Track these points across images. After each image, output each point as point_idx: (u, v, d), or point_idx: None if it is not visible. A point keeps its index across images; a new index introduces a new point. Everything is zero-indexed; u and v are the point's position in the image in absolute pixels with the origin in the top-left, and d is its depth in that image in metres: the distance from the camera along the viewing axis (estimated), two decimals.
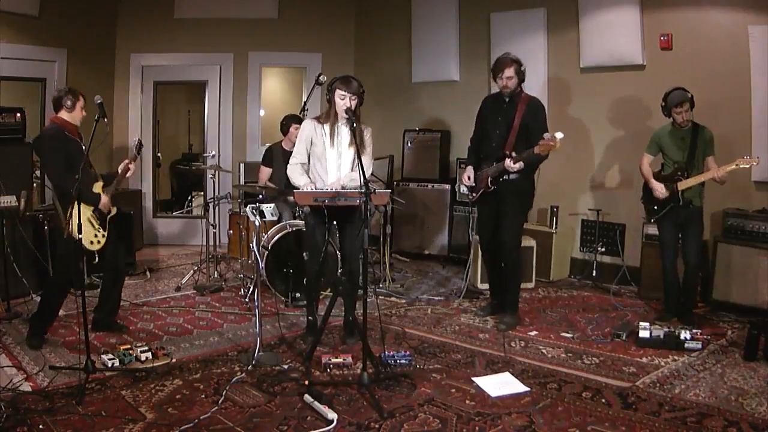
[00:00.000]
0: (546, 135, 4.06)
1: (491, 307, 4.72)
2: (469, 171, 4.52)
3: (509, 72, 4.27)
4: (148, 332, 4.25)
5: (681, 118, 4.31)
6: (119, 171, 4.07)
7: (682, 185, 4.32)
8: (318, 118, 3.94)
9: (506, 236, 4.41)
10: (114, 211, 4.06)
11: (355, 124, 3.67)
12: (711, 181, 4.27)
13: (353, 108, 3.74)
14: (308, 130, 3.93)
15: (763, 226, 4.57)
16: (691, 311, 4.49)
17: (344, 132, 3.87)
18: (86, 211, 3.88)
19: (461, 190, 4.68)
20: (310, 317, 4.17)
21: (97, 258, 4.00)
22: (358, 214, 3.93)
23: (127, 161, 4.10)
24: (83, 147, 3.90)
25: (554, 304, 5.06)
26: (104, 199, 3.97)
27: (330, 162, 3.90)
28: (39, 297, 4.77)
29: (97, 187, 3.97)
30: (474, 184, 4.50)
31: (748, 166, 4.12)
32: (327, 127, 3.88)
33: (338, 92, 3.76)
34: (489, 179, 4.36)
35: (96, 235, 3.94)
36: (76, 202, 3.74)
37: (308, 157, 3.98)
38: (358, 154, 3.46)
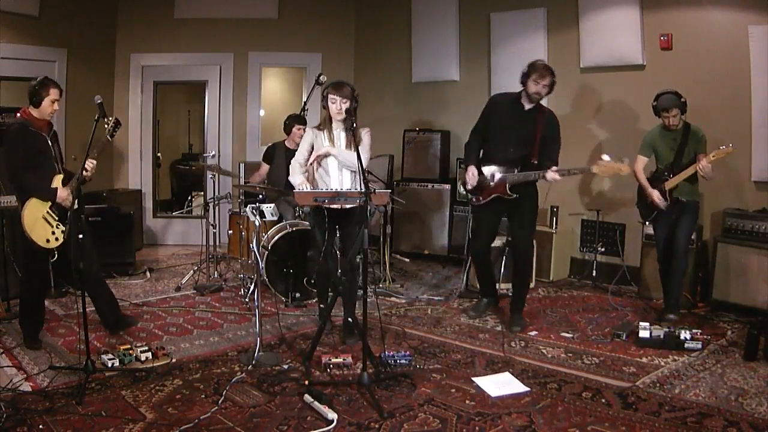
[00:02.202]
0: (606, 156, 4.04)
1: (483, 307, 4.69)
2: (474, 170, 4.34)
3: (548, 81, 4.16)
4: (148, 332, 4.25)
5: (668, 122, 4.33)
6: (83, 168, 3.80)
7: (669, 184, 4.34)
8: (318, 126, 4.05)
9: (526, 243, 4.43)
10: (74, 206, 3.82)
11: (354, 125, 3.71)
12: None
13: (345, 110, 3.84)
14: (309, 137, 4.04)
15: (763, 226, 4.57)
16: (676, 300, 4.48)
17: (342, 136, 3.99)
18: (42, 208, 3.75)
19: (466, 188, 4.48)
20: (321, 305, 4.37)
21: (56, 256, 3.74)
22: (355, 214, 4.02)
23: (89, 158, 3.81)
24: (49, 141, 3.79)
25: (554, 304, 5.06)
26: (62, 192, 3.76)
27: (331, 166, 3.97)
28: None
29: (56, 181, 3.79)
30: (475, 186, 4.37)
31: (723, 155, 4.12)
32: (325, 132, 3.99)
33: (330, 97, 3.88)
34: (508, 186, 4.24)
35: (53, 233, 3.77)
36: (32, 199, 3.73)
37: (306, 162, 4.03)
38: (358, 155, 3.48)
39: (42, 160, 3.77)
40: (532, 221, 4.44)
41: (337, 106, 3.86)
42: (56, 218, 3.80)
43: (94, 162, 3.80)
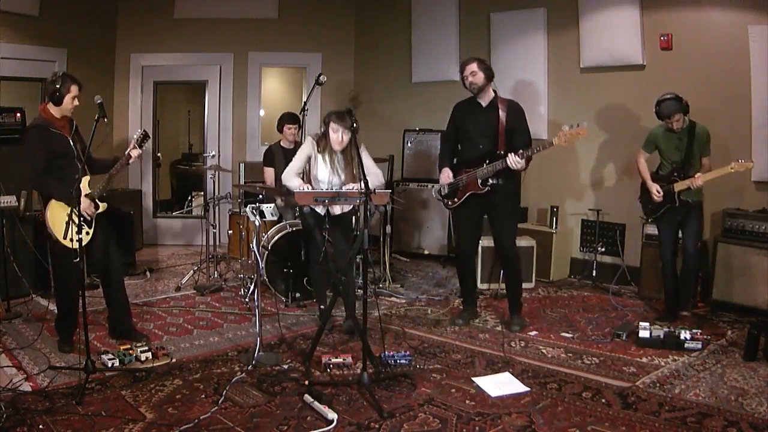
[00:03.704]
0: (566, 127, 4.04)
1: (467, 315, 4.57)
2: (449, 172, 4.38)
3: (472, 67, 4.20)
4: (148, 332, 4.24)
5: (672, 126, 4.32)
6: (115, 167, 3.82)
7: (678, 186, 4.33)
8: (318, 142, 4.08)
9: (506, 239, 4.38)
10: (103, 207, 3.81)
11: (353, 157, 3.90)
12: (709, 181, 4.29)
13: (345, 143, 3.92)
14: (308, 149, 4.10)
15: (763, 226, 4.57)
16: (689, 301, 4.47)
17: (339, 158, 4.06)
18: (65, 209, 3.68)
19: (436, 197, 4.56)
20: (321, 306, 4.41)
21: (78, 257, 3.45)
22: (348, 218, 4.17)
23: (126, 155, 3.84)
24: (71, 141, 3.71)
25: (554, 304, 5.06)
26: (84, 203, 3.67)
27: (324, 185, 4.07)
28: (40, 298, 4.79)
29: (83, 183, 3.71)
30: (449, 190, 4.39)
31: (743, 170, 4.11)
32: (322, 155, 4.04)
33: (332, 125, 3.93)
34: (479, 180, 4.25)
35: (76, 233, 3.60)
36: (58, 202, 3.66)
37: (304, 170, 4.13)
38: (364, 176, 3.47)
39: (64, 163, 3.67)
40: (514, 219, 4.45)
41: (339, 137, 3.92)
42: (80, 220, 3.59)
43: (139, 150, 3.84)
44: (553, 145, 4.12)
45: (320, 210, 4.02)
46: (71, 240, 3.61)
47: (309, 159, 4.09)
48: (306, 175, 4.13)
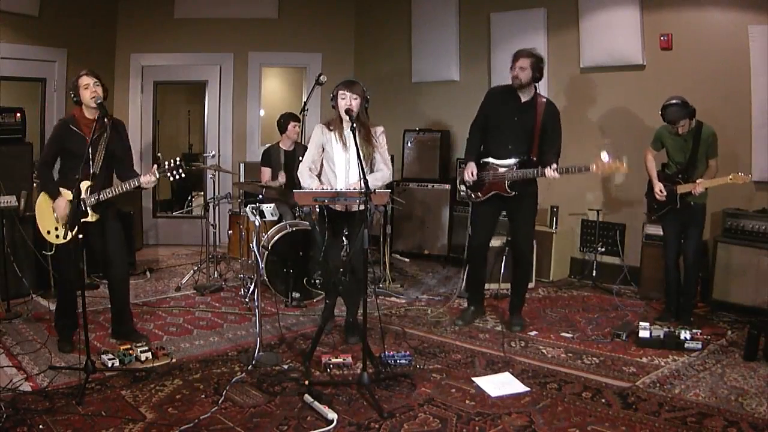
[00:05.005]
0: (605, 155, 3.95)
1: (470, 315, 4.54)
2: (473, 167, 4.26)
3: (523, 62, 4.07)
4: (148, 332, 4.24)
5: (677, 131, 4.30)
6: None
7: (681, 189, 4.32)
8: (328, 124, 3.96)
9: (526, 241, 4.39)
10: (93, 218, 3.71)
11: (354, 124, 3.67)
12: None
13: (354, 108, 3.75)
14: (318, 135, 3.95)
15: (763, 226, 4.58)
16: (690, 312, 4.47)
17: (352, 136, 3.85)
18: (50, 202, 3.72)
19: (461, 189, 4.45)
20: (327, 301, 4.22)
21: (53, 250, 3.73)
22: (359, 215, 3.98)
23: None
24: (88, 143, 3.54)
25: (554, 304, 5.06)
26: (60, 202, 3.68)
27: (339, 167, 3.90)
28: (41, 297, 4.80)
29: (83, 186, 3.58)
30: (474, 183, 4.31)
31: (741, 182, 4.09)
32: (335, 133, 3.90)
33: (340, 93, 3.79)
34: (507, 183, 4.18)
35: (56, 228, 3.71)
36: (61, 195, 3.69)
37: (319, 162, 3.97)
38: (358, 154, 3.45)
39: (73, 164, 3.61)
40: (532, 221, 4.41)
41: (347, 101, 3.75)
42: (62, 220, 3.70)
43: (153, 178, 3.64)
44: (589, 170, 4.02)
45: (338, 207, 3.87)
46: (48, 231, 3.76)
47: (322, 147, 3.93)
48: (319, 166, 3.99)
